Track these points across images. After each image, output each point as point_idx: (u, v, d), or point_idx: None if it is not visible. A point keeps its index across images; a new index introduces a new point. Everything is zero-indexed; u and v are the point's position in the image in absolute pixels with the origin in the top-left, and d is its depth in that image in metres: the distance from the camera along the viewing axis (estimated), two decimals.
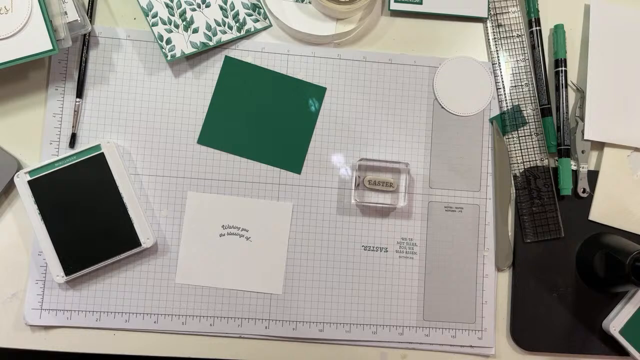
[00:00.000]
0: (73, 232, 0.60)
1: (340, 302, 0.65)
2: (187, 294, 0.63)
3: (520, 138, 0.67)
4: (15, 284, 0.62)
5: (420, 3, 0.68)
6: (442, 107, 0.67)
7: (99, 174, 0.61)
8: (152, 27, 0.63)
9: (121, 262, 0.63)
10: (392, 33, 0.69)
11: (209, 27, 0.64)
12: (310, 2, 0.66)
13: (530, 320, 0.66)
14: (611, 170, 0.68)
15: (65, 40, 0.59)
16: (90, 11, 0.65)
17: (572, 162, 0.67)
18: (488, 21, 0.69)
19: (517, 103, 0.68)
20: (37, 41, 0.58)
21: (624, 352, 0.65)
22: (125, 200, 0.61)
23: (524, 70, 0.68)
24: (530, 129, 0.67)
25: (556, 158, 0.68)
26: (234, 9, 0.65)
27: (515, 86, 0.68)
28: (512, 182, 0.67)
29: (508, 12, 0.69)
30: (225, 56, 0.66)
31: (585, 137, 0.67)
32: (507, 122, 0.68)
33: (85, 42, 0.64)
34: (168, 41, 0.63)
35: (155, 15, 0.63)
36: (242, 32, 0.66)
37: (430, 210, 0.66)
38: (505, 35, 0.69)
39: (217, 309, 0.63)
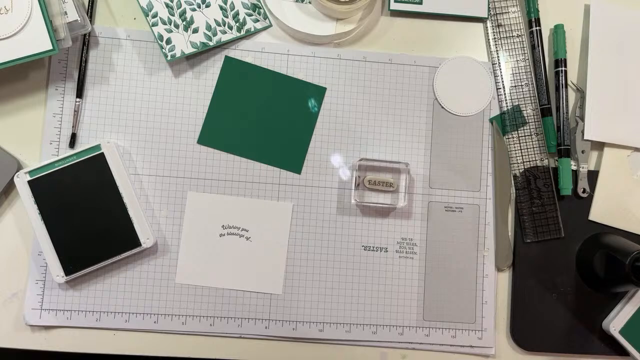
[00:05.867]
0: (73, 232, 0.60)
1: (340, 302, 0.65)
2: (187, 294, 0.63)
3: (520, 138, 0.67)
4: (15, 284, 0.62)
5: (420, 3, 0.68)
6: (442, 107, 0.67)
7: (99, 174, 0.61)
8: (152, 27, 0.63)
9: (121, 262, 0.63)
10: (392, 33, 0.69)
11: (209, 27, 0.64)
12: (310, 2, 0.66)
13: (530, 320, 0.66)
14: (611, 170, 0.68)
15: (65, 40, 0.59)
16: (90, 11, 0.65)
17: (572, 162, 0.67)
18: (488, 21, 0.69)
19: (517, 103, 0.68)
20: (37, 41, 0.58)
21: (624, 352, 0.65)
22: (125, 200, 0.61)
23: (524, 70, 0.68)
24: (530, 129, 0.68)
25: (556, 158, 0.68)
26: (234, 9, 0.65)
27: (515, 86, 0.68)
28: (512, 182, 0.67)
29: (508, 12, 0.69)
30: (225, 56, 0.66)
31: (585, 137, 0.67)
32: (507, 122, 0.68)
33: (85, 42, 0.64)
34: (168, 41, 0.63)
35: (155, 15, 0.63)
36: (242, 32, 0.66)
37: (430, 210, 0.66)
38: (505, 35, 0.69)
39: (217, 309, 0.63)
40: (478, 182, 0.67)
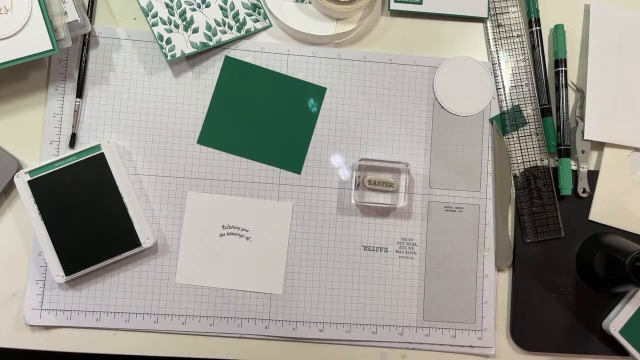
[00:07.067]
0: (73, 232, 0.60)
1: (340, 302, 0.65)
2: (187, 294, 0.63)
3: (520, 138, 0.67)
4: (15, 284, 0.62)
5: (420, 3, 0.68)
6: (442, 107, 0.67)
7: (99, 174, 0.61)
8: (152, 27, 0.63)
9: (121, 262, 0.63)
10: (392, 33, 0.69)
11: (209, 27, 0.64)
12: (310, 2, 0.66)
13: (530, 320, 0.66)
14: (611, 170, 0.68)
15: (65, 40, 0.59)
16: (90, 11, 0.65)
17: (572, 162, 0.67)
18: (488, 21, 0.69)
19: (517, 103, 0.68)
20: (37, 41, 0.58)
21: (624, 352, 0.65)
22: (125, 200, 0.61)
23: (524, 70, 0.68)
24: (530, 129, 0.68)
25: (556, 158, 0.68)
26: (234, 9, 0.65)
27: (515, 86, 0.68)
28: (512, 182, 0.67)
29: (508, 12, 0.69)
30: (225, 56, 0.66)
31: (585, 137, 0.67)
32: (507, 122, 0.68)
33: (85, 42, 0.64)
34: (168, 41, 0.63)
35: (155, 15, 0.63)
36: (242, 32, 0.66)
37: (430, 210, 0.66)
38: (505, 35, 0.69)
39: (217, 309, 0.63)
40: (478, 182, 0.67)
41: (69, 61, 0.64)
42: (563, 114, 0.67)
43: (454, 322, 0.65)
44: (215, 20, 0.65)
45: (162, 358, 0.63)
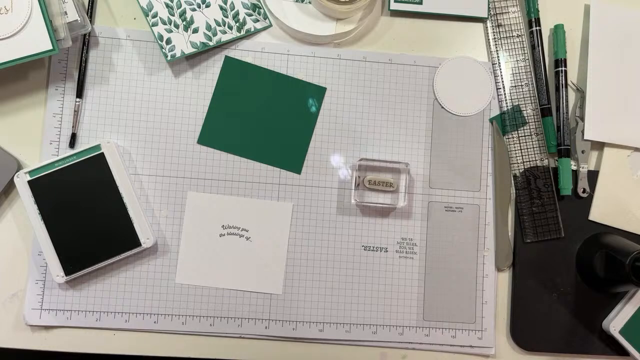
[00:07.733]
0: (73, 232, 0.60)
1: (340, 302, 0.65)
2: (187, 294, 0.63)
3: (520, 138, 0.67)
4: (15, 284, 0.62)
5: (420, 3, 0.68)
6: (442, 107, 0.68)
7: (99, 174, 0.61)
8: (152, 27, 0.63)
9: (121, 262, 0.63)
10: (392, 33, 0.69)
11: (209, 27, 0.64)
12: (310, 2, 0.66)
13: (530, 320, 0.66)
14: (611, 170, 0.68)
15: (65, 40, 0.59)
16: (90, 11, 0.65)
17: (572, 162, 0.67)
18: (488, 21, 0.69)
19: (517, 103, 0.68)
20: (37, 41, 0.58)
21: (624, 352, 0.65)
22: (125, 200, 0.61)
23: (524, 70, 0.68)
24: (530, 129, 0.68)
25: (556, 158, 0.68)
26: (234, 9, 0.65)
27: (515, 86, 0.68)
28: (512, 182, 0.67)
29: (508, 12, 0.69)
30: (225, 56, 0.66)
31: (585, 137, 0.67)
32: (507, 122, 0.68)
33: (85, 42, 0.64)
34: (168, 41, 0.63)
35: (155, 15, 0.63)
36: (242, 32, 0.66)
37: (430, 210, 0.67)
38: (505, 35, 0.69)
39: (217, 309, 0.63)
40: (478, 182, 0.67)
41: (69, 61, 0.64)
42: (563, 114, 0.67)
43: (453, 322, 0.65)
44: (215, 20, 0.65)
45: (162, 358, 0.63)
